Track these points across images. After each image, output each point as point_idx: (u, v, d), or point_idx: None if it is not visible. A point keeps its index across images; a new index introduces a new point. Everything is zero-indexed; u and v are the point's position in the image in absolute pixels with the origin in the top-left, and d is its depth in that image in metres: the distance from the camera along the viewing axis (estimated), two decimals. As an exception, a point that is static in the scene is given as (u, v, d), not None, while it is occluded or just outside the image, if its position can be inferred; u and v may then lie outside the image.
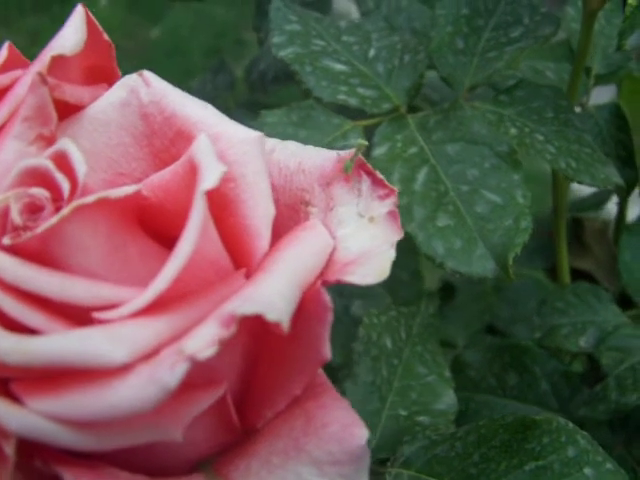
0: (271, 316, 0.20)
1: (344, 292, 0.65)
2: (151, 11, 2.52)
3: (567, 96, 0.47)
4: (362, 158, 0.27)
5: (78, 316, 0.23)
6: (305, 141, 0.42)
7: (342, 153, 0.27)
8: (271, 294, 0.21)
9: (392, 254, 0.24)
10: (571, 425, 0.37)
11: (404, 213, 0.40)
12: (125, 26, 2.46)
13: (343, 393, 0.40)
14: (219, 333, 0.20)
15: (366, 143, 0.27)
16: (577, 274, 0.65)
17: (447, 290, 0.70)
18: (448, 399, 0.42)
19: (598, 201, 0.68)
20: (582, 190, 0.71)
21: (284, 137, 0.42)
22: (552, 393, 0.51)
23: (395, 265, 0.65)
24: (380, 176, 0.27)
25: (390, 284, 0.65)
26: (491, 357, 0.53)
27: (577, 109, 0.54)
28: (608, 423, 0.51)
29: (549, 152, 0.42)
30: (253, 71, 0.68)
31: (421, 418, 0.40)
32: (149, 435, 0.22)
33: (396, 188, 0.39)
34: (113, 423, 0.21)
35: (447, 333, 0.62)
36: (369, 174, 0.27)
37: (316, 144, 0.42)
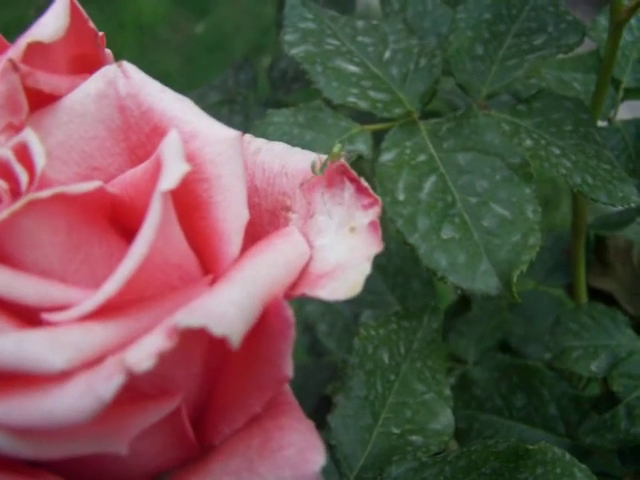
0: (216, 330, 0.18)
1: (354, 299, 0.63)
2: (197, 5, 2.52)
3: (590, 109, 0.45)
4: (346, 164, 0.25)
5: (29, 316, 0.22)
6: (311, 143, 0.41)
7: (323, 157, 0.26)
8: (221, 305, 0.19)
9: (367, 268, 0.23)
10: (568, 456, 0.35)
11: (408, 223, 0.38)
12: (170, 19, 2.47)
13: (334, 406, 0.39)
14: (161, 345, 0.18)
15: (340, 147, 0.26)
16: (598, 294, 0.63)
17: (463, 303, 0.68)
18: (445, 419, 0.40)
19: (623, 219, 0.65)
20: (608, 208, 0.69)
21: (290, 138, 0.41)
22: (560, 417, 0.49)
23: (407, 274, 0.64)
24: (365, 184, 0.25)
25: (401, 293, 0.63)
26: (499, 376, 0.51)
27: (603, 123, 0.52)
28: (618, 452, 0.49)
29: (564, 166, 0.40)
30: (275, 69, 0.67)
31: (414, 437, 0.39)
32: (92, 446, 0.20)
33: (401, 198, 0.38)
34: (52, 432, 0.20)
35: (458, 348, 0.61)
36: (353, 181, 0.25)
37: (322, 147, 0.41)
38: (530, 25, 0.45)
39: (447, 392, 0.41)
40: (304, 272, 0.24)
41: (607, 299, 0.63)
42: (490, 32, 0.45)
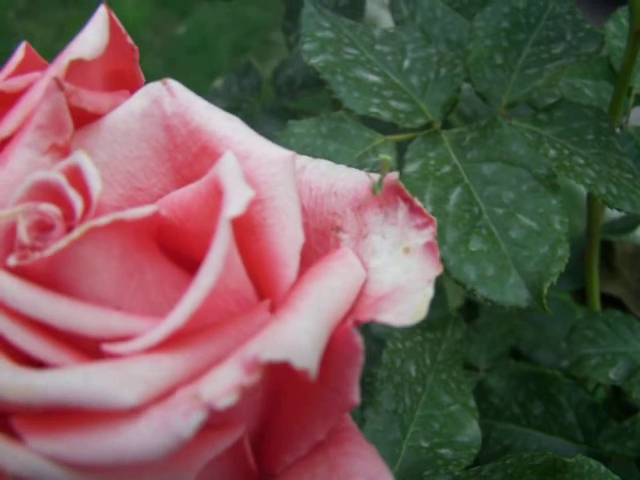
0: (299, 363, 0.18)
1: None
2: (178, 7, 2.51)
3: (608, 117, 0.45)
4: (400, 184, 0.25)
5: (89, 347, 0.21)
6: (334, 154, 0.41)
7: (374, 176, 0.25)
8: (298, 337, 0.19)
9: (430, 292, 0.22)
10: (603, 468, 0.35)
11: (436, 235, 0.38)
12: (151, 21, 2.45)
13: (363, 421, 0.38)
14: (240, 379, 0.18)
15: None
16: (605, 299, 0.63)
17: (470, 309, 0.68)
18: (472, 431, 0.40)
19: (629, 224, 0.66)
20: (613, 212, 0.69)
21: (312, 149, 0.41)
22: (578, 425, 0.49)
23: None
24: (418, 204, 0.25)
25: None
26: (516, 385, 0.51)
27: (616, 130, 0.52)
28: (636, 460, 0.48)
29: (589, 176, 0.40)
30: (280, 75, 0.66)
31: (443, 451, 0.38)
32: (158, 481, 0.20)
33: (429, 210, 0.38)
34: (119, 468, 0.19)
35: (469, 355, 0.60)
36: (406, 201, 0.25)
37: (345, 158, 0.40)
38: (548, 34, 0.45)
39: (472, 403, 0.41)
40: (360, 295, 0.24)
41: (615, 304, 0.63)
42: (509, 41, 0.45)
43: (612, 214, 0.72)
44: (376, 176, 0.25)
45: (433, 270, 0.23)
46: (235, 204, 0.20)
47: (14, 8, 2.39)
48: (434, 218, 0.24)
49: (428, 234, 0.24)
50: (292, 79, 0.64)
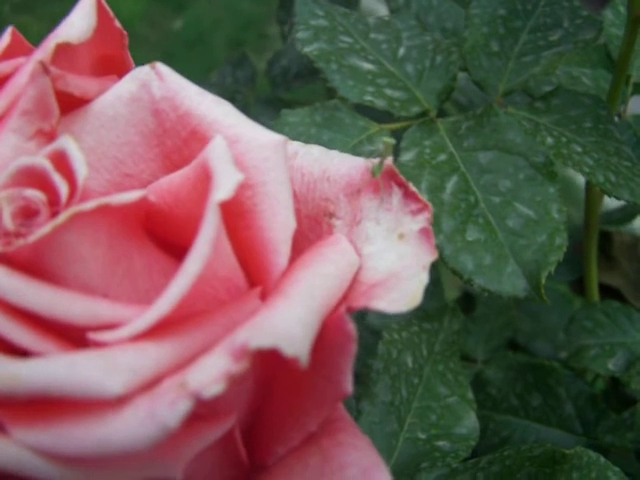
0: (288, 350, 0.17)
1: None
2: (175, 1, 2.50)
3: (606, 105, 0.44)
4: (394, 168, 0.24)
5: (74, 335, 0.20)
6: (329, 143, 0.40)
7: (370, 162, 0.25)
8: (289, 324, 0.18)
9: (424, 278, 0.22)
10: (602, 460, 0.34)
11: (432, 224, 0.37)
12: (148, 15, 2.44)
13: (359, 413, 0.38)
14: (228, 367, 0.17)
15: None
16: (603, 289, 0.62)
17: (466, 301, 0.67)
18: (469, 423, 0.39)
19: (627, 215, 0.65)
20: (610, 203, 0.68)
21: (306, 138, 0.40)
22: (576, 417, 0.49)
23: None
24: (413, 189, 0.24)
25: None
26: (514, 376, 0.50)
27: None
28: (635, 451, 0.48)
29: (587, 164, 0.39)
30: (275, 66, 0.65)
31: (441, 443, 0.38)
32: (145, 472, 0.19)
33: (425, 199, 0.37)
34: (105, 459, 0.19)
35: (467, 346, 0.60)
36: (401, 186, 0.24)
37: (340, 147, 0.40)
38: (545, 20, 0.44)
39: (470, 395, 0.41)
40: (353, 282, 0.23)
41: (613, 294, 0.62)
42: (505, 28, 0.44)
43: (610, 205, 0.71)
44: (373, 162, 0.25)
45: (428, 256, 0.23)
46: (223, 188, 0.20)
47: (9, 2, 2.38)
48: (429, 204, 0.24)
49: (423, 220, 0.24)
50: (286, 69, 0.63)
